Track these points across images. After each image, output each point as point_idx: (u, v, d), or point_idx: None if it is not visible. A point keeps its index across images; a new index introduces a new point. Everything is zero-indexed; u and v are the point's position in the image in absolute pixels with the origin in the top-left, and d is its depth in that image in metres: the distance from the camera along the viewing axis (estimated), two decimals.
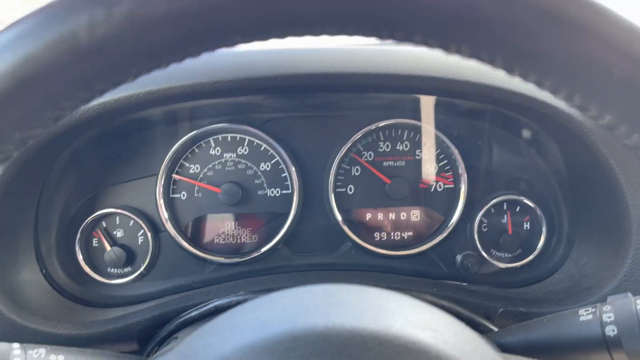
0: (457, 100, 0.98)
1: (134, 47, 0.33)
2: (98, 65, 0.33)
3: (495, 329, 0.88)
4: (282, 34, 0.35)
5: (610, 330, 0.69)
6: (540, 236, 1.05)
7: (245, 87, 0.83)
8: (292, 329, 0.37)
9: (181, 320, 0.90)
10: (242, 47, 0.86)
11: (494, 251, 1.06)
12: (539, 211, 1.05)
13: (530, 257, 1.05)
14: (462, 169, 1.04)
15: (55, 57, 0.32)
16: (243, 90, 0.85)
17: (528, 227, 1.06)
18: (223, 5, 0.31)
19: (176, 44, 0.34)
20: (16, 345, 0.67)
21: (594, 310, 0.73)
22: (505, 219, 1.06)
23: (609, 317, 0.71)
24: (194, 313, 0.90)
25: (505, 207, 1.06)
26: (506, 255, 1.06)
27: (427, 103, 1.01)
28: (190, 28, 0.32)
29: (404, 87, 0.87)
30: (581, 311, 0.74)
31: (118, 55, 0.33)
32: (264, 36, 0.35)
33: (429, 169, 1.06)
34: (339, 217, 1.04)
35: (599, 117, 0.38)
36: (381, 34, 0.34)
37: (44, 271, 0.96)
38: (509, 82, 0.86)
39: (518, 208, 1.06)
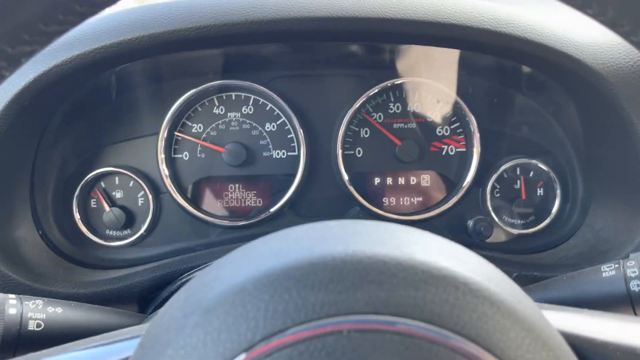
0: (473, 56, 0.95)
1: None
2: None
3: None
4: None
5: (635, 285, 0.66)
6: (554, 201, 1.02)
7: (252, 32, 0.79)
8: (309, 256, 0.35)
9: (184, 281, 0.87)
10: None
11: (506, 217, 1.02)
12: (553, 175, 1.01)
13: (544, 223, 1.01)
14: (474, 131, 1.00)
15: None
16: (250, 36, 0.81)
17: (542, 193, 1.03)
18: None
19: None
20: (12, 295, 0.65)
21: (617, 266, 0.70)
22: (519, 184, 1.02)
23: (634, 272, 0.68)
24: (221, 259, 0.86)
25: (518, 172, 1.02)
26: (519, 221, 1.02)
27: (441, 59, 0.98)
28: None
29: (419, 36, 0.83)
30: (604, 267, 0.72)
31: None
32: None
33: (441, 132, 1.02)
34: (347, 180, 1.00)
35: (632, 32, 0.36)
36: None
37: (40, 231, 0.92)
38: (531, 32, 0.82)
39: (532, 173, 1.02)
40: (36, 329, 0.64)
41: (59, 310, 0.67)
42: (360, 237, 0.37)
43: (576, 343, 0.42)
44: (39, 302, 0.66)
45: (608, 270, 0.72)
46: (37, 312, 0.65)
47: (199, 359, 0.32)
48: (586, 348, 0.42)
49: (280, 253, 0.36)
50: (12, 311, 0.63)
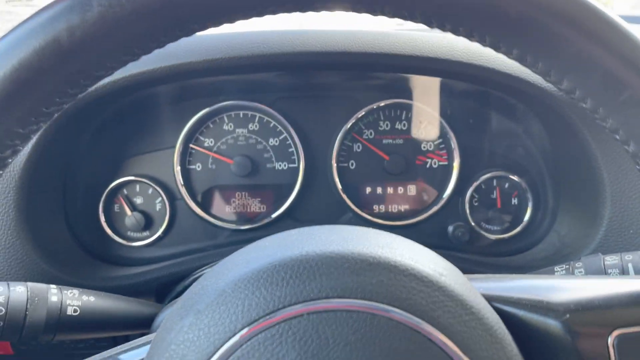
0: (451, 82, 1.07)
1: (109, 44, 0.39)
2: (80, 63, 0.39)
3: None
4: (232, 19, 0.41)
5: None
6: (526, 210, 1.13)
7: (258, 64, 0.92)
8: (272, 261, 0.44)
9: (195, 276, 1.00)
10: (256, 28, 0.95)
11: (484, 224, 1.14)
12: (526, 187, 1.13)
13: (517, 230, 1.13)
14: (455, 147, 1.12)
15: (43, 60, 0.38)
16: (255, 67, 0.94)
17: (516, 202, 1.14)
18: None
19: (145, 37, 0.40)
20: (53, 285, 0.77)
21: (567, 267, 0.81)
22: (495, 194, 1.14)
23: (580, 272, 0.79)
24: (207, 270, 0.99)
25: (495, 183, 1.14)
26: (495, 227, 1.14)
27: (424, 84, 1.10)
28: (154, 23, 0.38)
29: (400, 67, 0.96)
30: (556, 268, 0.83)
31: (96, 53, 0.39)
32: (218, 23, 0.41)
33: (425, 147, 1.15)
34: (340, 189, 1.13)
35: (558, 82, 0.43)
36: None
37: (71, 232, 1.06)
38: (499, 63, 0.94)
39: (507, 184, 1.14)
40: (73, 314, 0.75)
41: (92, 298, 0.78)
42: (313, 240, 0.46)
43: (498, 303, 0.49)
44: (76, 291, 0.77)
45: (560, 270, 0.83)
46: (74, 299, 0.75)
47: (196, 349, 0.41)
48: (504, 305, 0.49)
49: (250, 261, 0.45)
50: (54, 299, 0.72)
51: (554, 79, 0.43)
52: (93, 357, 0.55)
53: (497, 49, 0.42)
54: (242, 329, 0.41)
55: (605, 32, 0.40)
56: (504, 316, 0.47)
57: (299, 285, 0.42)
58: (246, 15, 0.41)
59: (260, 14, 0.41)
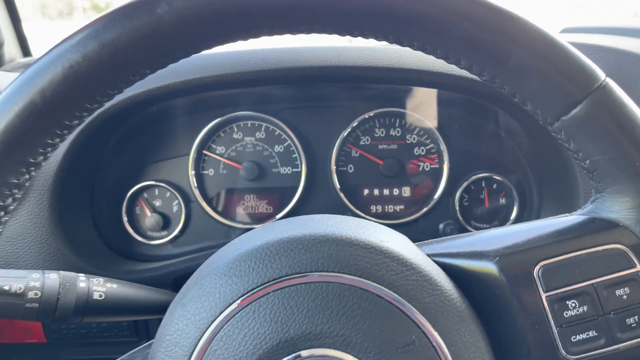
0: (440, 92, 1.17)
1: (74, 98, 0.47)
2: (53, 117, 0.47)
3: None
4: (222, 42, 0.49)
5: None
6: (513, 209, 1.22)
7: (263, 78, 1.04)
8: (240, 253, 0.53)
9: None
10: (259, 45, 1.07)
11: (473, 222, 1.23)
12: (512, 187, 1.22)
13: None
14: (444, 150, 1.22)
15: (24, 120, 0.46)
16: (261, 81, 1.06)
17: (503, 202, 1.23)
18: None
19: (105, 86, 0.47)
20: (82, 274, 0.88)
21: None
22: (483, 194, 1.23)
23: None
24: None
25: (483, 184, 1.23)
26: (483, 225, 1.23)
27: (416, 94, 1.20)
28: (108, 75, 0.46)
29: (389, 78, 1.06)
30: None
31: (65, 106, 0.47)
32: (162, 65, 0.48)
33: (417, 151, 1.24)
34: (340, 191, 1.23)
35: (457, 62, 0.48)
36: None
37: (97, 231, 1.18)
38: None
39: (494, 185, 1.23)
40: (99, 299, 0.85)
41: (115, 285, 0.88)
42: (273, 231, 0.55)
43: (441, 258, 0.56)
44: (101, 279, 0.87)
45: None
46: (99, 286, 0.84)
47: (186, 335, 0.50)
48: (446, 258, 0.56)
49: (223, 256, 0.54)
50: (82, 285, 0.81)
51: (453, 60, 0.48)
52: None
53: (400, 43, 0.50)
54: (221, 312, 0.50)
55: (480, 13, 0.46)
56: (447, 268, 0.55)
57: (262, 269, 0.51)
58: (175, 58, 0.49)
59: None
